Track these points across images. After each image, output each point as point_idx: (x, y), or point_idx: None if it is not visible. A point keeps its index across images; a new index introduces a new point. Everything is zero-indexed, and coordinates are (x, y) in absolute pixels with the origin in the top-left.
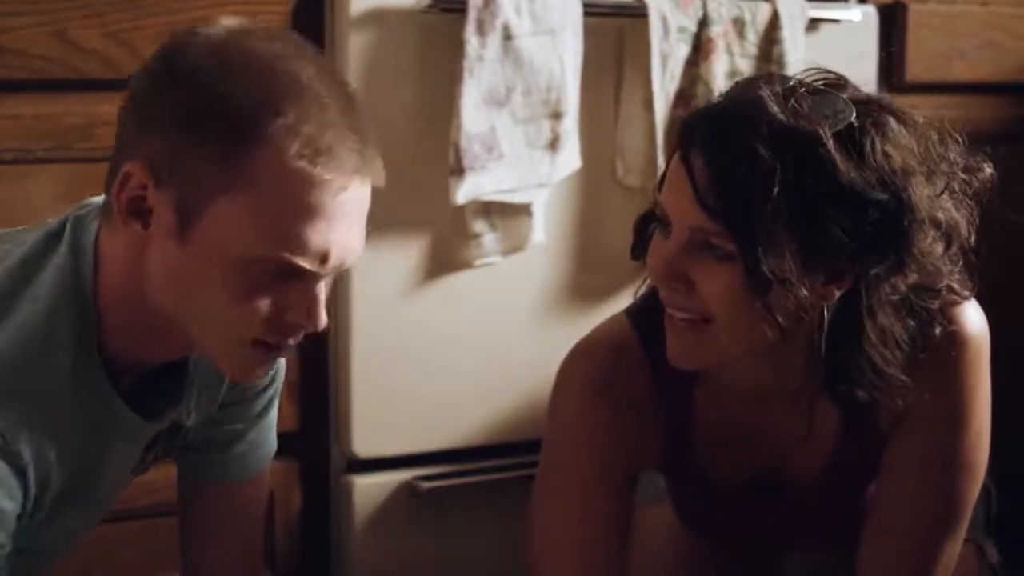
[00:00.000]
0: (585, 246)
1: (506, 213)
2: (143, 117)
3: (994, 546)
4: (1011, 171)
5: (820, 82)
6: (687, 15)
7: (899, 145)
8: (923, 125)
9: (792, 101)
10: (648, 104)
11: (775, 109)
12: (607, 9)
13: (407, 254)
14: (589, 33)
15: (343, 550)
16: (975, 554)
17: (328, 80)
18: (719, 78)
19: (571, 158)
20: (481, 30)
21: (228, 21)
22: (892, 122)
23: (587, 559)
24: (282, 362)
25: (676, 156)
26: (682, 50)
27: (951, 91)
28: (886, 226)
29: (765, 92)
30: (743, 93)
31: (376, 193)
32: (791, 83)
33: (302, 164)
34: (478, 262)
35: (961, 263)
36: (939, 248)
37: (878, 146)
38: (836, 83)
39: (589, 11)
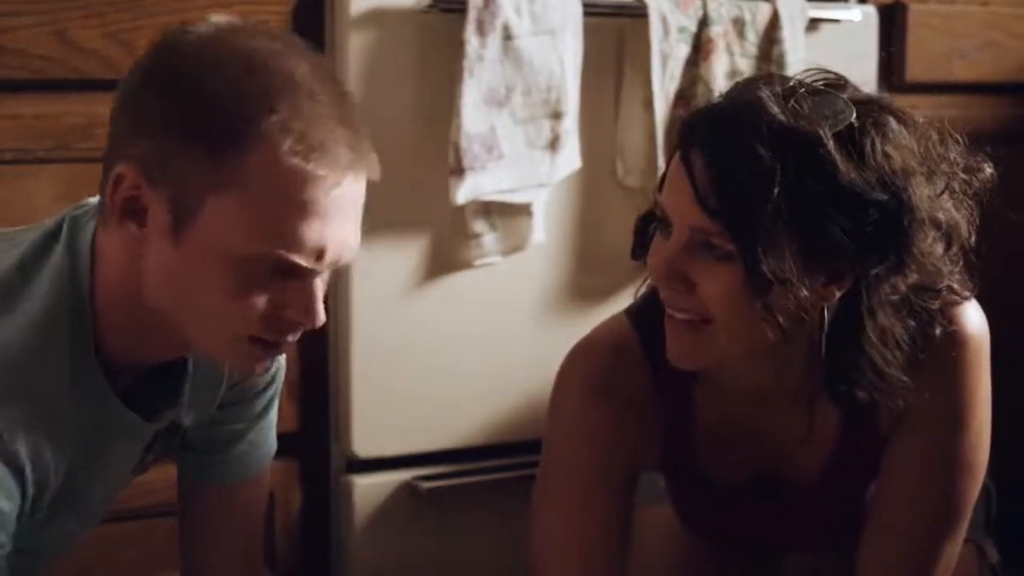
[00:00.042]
0: (585, 246)
1: (506, 213)
2: (134, 117)
3: (994, 546)
4: (1011, 171)
5: (820, 82)
6: (687, 15)
7: (899, 145)
8: (923, 125)
9: (792, 101)
10: (648, 104)
11: (775, 109)
12: (607, 9)
13: (407, 254)
14: (589, 33)
15: (343, 550)
16: (975, 554)
17: (319, 75)
18: (719, 78)
19: (571, 158)
20: (481, 30)
21: (218, 19)
22: (892, 122)
23: (587, 559)
24: (282, 362)
25: (676, 156)
26: (682, 50)
27: (951, 91)
28: (886, 226)
29: (765, 92)
30: (743, 93)
31: (376, 193)
32: (791, 83)
33: (295, 161)
34: (478, 262)
35: (961, 263)
36: (939, 248)
37: (878, 146)
38: (836, 83)
39: (589, 11)
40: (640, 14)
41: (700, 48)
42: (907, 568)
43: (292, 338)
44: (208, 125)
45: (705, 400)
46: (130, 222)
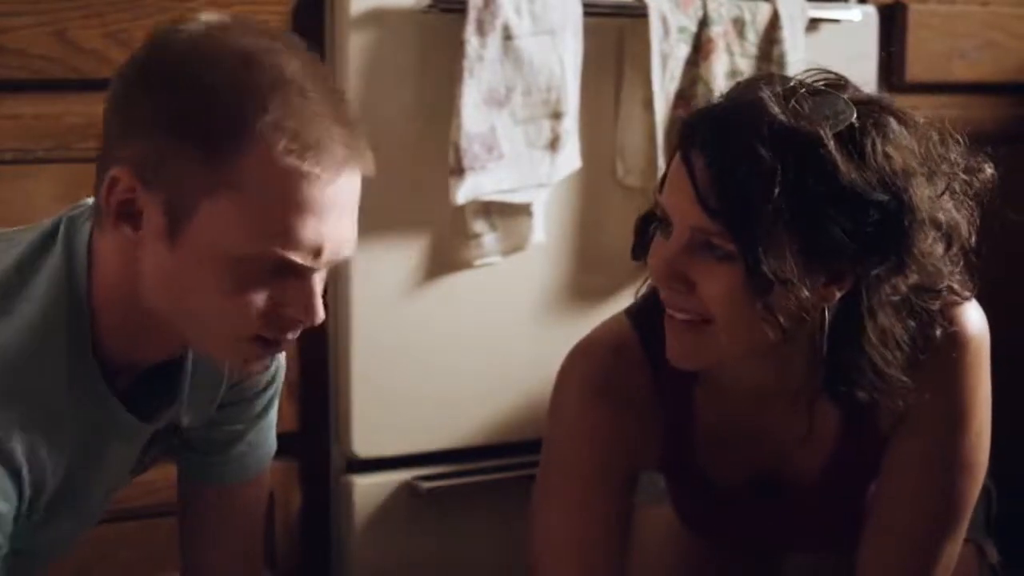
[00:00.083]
0: (585, 246)
1: (506, 213)
2: (126, 118)
3: (994, 546)
4: (1011, 171)
5: (821, 83)
6: (687, 15)
7: (900, 146)
8: (924, 126)
9: (793, 102)
10: (648, 104)
11: (776, 110)
12: (607, 9)
13: (407, 254)
14: (589, 33)
15: (343, 550)
16: (975, 554)
17: (311, 72)
18: (719, 78)
19: (571, 158)
20: (481, 30)
21: (208, 17)
22: (893, 123)
23: (587, 559)
24: (282, 363)
25: (677, 156)
26: (682, 50)
27: (951, 91)
28: (887, 227)
29: (766, 93)
30: (744, 94)
31: (376, 193)
32: (792, 84)
33: (290, 160)
34: (478, 262)
35: (961, 264)
36: (940, 249)
37: (879, 147)
38: (837, 84)
39: (589, 11)
40: (640, 14)
41: (700, 48)
42: (907, 568)
43: (292, 336)
44: (202, 126)
45: (705, 400)
46: (125, 225)
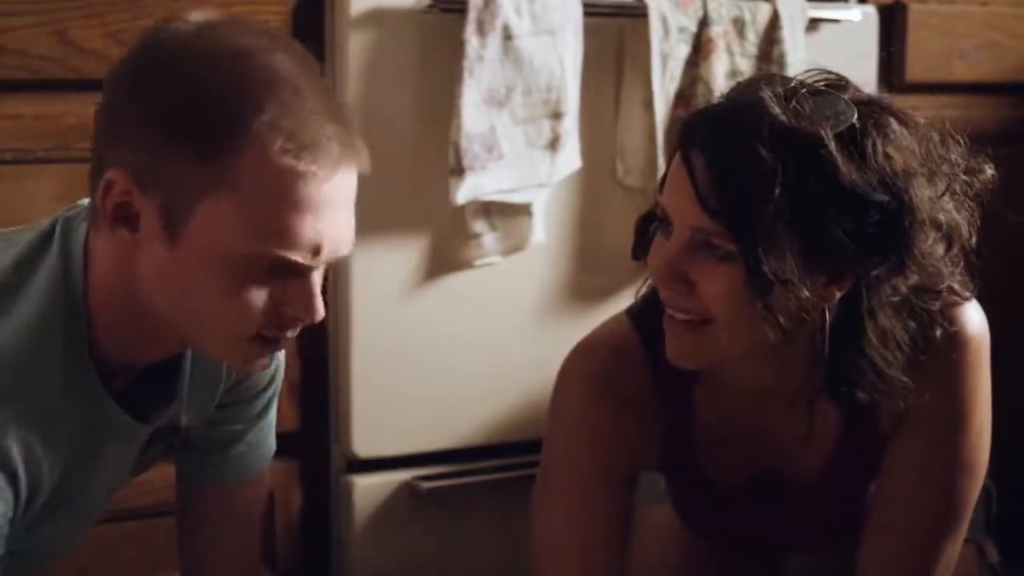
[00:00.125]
0: (585, 246)
1: (506, 213)
2: (120, 120)
3: (994, 546)
4: (1012, 171)
5: (821, 83)
6: (687, 15)
7: (900, 146)
8: (924, 126)
9: (793, 102)
10: (648, 104)
11: (776, 110)
12: (607, 9)
13: (407, 254)
14: (589, 33)
15: (343, 550)
16: (975, 554)
17: (305, 70)
18: (719, 78)
19: (571, 158)
20: (481, 30)
21: (198, 15)
22: (893, 123)
23: (587, 559)
24: (281, 362)
25: (677, 157)
26: (682, 50)
27: (951, 91)
28: (887, 227)
29: (766, 93)
30: (744, 94)
31: (376, 193)
32: (792, 84)
33: (287, 160)
34: (478, 262)
35: (962, 264)
36: (940, 249)
37: (879, 147)
38: (837, 84)
39: (589, 11)
40: (640, 14)
41: (700, 48)
42: (907, 568)
43: (292, 334)
44: (197, 127)
45: (705, 400)
46: (122, 228)
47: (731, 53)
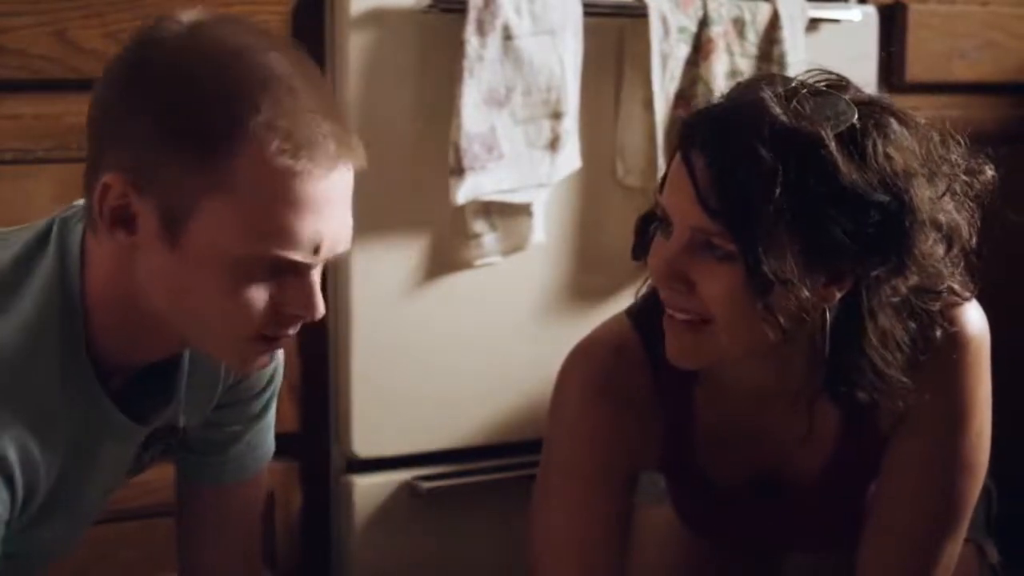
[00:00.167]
0: (585, 246)
1: (506, 213)
2: (115, 122)
3: (994, 546)
4: (1012, 172)
5: (822, 83)
6: (687, 15)
7: (901, 147)
8: (925, 127)
9: (794, 102)
10: (648, 104)
11: (777, 110)
12: (607, 9)
13: (407, 254)
14: (589, 33)
15: (343, 550)
16: (975, 554)
17: (298, 69)
18: (719, 78)
19: (571, 158)
20: (481, 30)
21: (187, 15)
22: (894, 124)
23: (587, 559)
24: (280, 363)
25: (677, 156)
26: (682, 50)
27: (951, 91)
28: (887, 228)
29: (767, 93)
30: (744, 94)
31: (376, 193)
32: (793, 84)
33: (284, 160)
34: (478, 262)
35: (962, 264)
36: (940, 250)
37: (880, 148)
38: (838, 84)
39: (589, 11)
40: (640, 14)
41: (700, 48)
42: (907, 568)
43: (292, 331)
44: (193, 129)
45: (705, 400)
46: (120, 230)
47: (731, 53)
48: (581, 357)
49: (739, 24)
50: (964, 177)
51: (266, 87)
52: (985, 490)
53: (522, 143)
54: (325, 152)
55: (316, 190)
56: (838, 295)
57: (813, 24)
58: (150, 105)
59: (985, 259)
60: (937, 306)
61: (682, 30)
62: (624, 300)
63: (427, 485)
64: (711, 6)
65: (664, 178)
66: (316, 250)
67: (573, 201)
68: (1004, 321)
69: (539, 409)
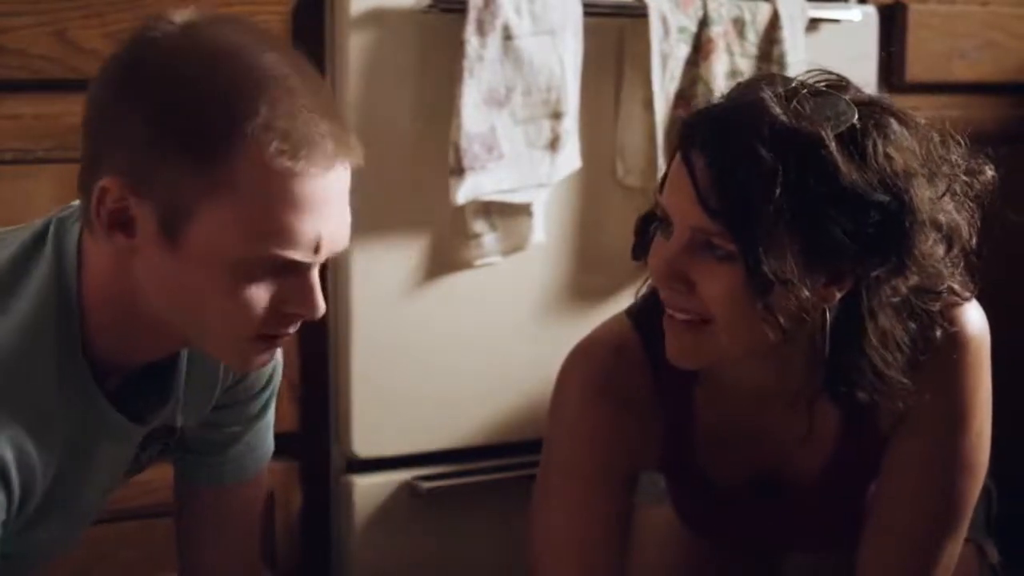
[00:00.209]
0: (585, 246)
1: (506, 213)
2: (111, 124)
3: (994, 546)
4: (1012, 172)
5: (822, 83)
6: (687, 15)
7: (901, 147)
8: (925, 127)
9: (794, 102)
10: (648, 104)
11: (777, 110)
12: (607, 9)
13: (407, 254)
14: (589, 33)
15: (343, 550)
16: (975, 554)
17: (294, 68)
18: (719, 78)
19: (571, 158)
20: (481, 30)
21: (181, 14)
22: (894, 124)
23: (587, 559)
24: (279, 363)
25: (677, 157)
26: (682, 50)
27: (951, 91)
28: (887, 228)
29: (767, 93)
30: (744, 94)
31: (376, 193)
32: (793, 84)
33: (282, 160)
34: (478, 262)
35: (962, 265)
36: (940, 250)
37: (880, 148)
38: (838, 84)
39: (589, 11)
40: (640, 14)
41: (700, 48)
42: (907, 568)
43: (292, 330)
44: (191, 131)
45: (705, 400)
46: (118, 233)
47: (731, 53)
48: (581, 357)
49: (739, 24)
50: (964, 177)
51: (263, 87)
52: (985, 490)
53: (522, 143)
54: (323, 152)
55: (315, 189)
56: (838, 295)
57: (813, 24)
58: (145, 106)
59: (985, 259)
60: (937, 306)
61: (682, 30)
62: (624, 300)
63: (427, 485)
64: (711, 6)
65: (664, 178)
66: (316, 249)
67: (573, 201)
68: (1004, 321)
69: (539, 409)
